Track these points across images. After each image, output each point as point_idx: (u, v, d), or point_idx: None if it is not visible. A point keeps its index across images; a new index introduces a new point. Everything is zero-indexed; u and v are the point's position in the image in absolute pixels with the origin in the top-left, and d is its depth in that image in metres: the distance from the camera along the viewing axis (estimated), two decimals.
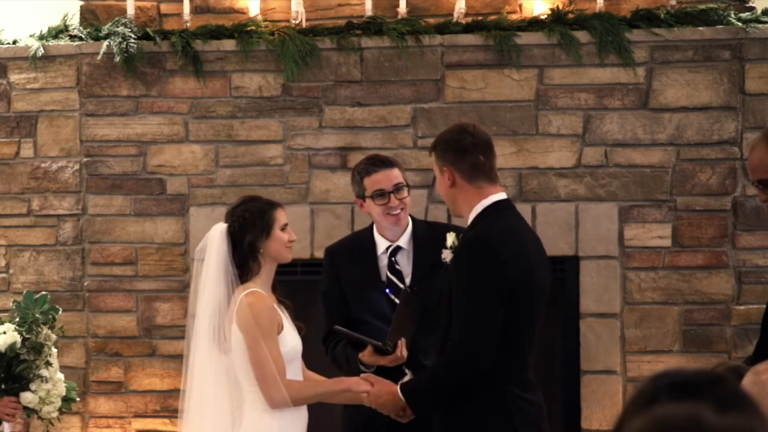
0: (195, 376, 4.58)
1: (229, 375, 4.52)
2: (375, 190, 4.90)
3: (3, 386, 5.30)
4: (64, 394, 5.40)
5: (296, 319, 4.66)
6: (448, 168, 4.25)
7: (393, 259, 4.96)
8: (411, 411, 4.34)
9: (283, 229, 4.55)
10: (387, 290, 4.92)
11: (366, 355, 4.71)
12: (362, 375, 4.57)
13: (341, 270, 4.97)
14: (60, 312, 5.48)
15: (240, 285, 4.49)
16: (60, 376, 5.42)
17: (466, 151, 4.24)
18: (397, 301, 4.84)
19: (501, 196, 4.28)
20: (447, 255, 4.43)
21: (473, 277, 4.13)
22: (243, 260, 4.50)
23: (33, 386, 5.32)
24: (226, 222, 4.59)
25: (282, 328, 4.48)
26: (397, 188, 4.91)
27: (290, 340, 4.50)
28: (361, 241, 5.06)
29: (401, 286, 4.91)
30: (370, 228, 5.08)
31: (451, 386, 4.19)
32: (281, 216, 4.57)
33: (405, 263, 4.96)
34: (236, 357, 4.46)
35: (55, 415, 5.38)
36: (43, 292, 5.51)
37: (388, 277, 4.95)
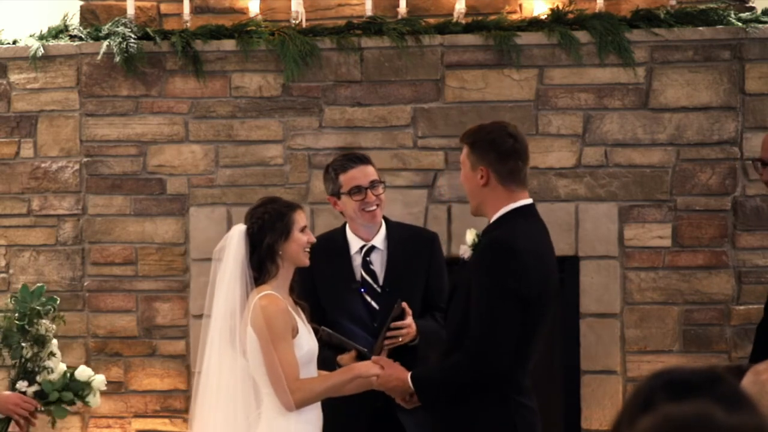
0: (208, 377, 4.56)
1: (244, 377, 4.49)
2: (352, 186, 4.90)
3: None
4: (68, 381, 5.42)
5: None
6: (484, 168, 4.19)
7: (367, 258, 4.96)
8: (418, 400, 4.34)
9: (303, 230, 4.52)
10: (362, 290, 4.92)
11: (346, 359, 4.71)
12: (374, 358, 4.55)
13: (315, 269, 4.82)
14: (58, 302, 5.47)
15: (255, 287, 4.48)
16: (63, 366, 5.43)
17: (508, 156, 4.20)
18: (370, 300, 4.90)
19: (528, 201, 4.27)
20: (465, 251, 4.33)
21: (494, 278, 4.10)
22: (261, 262, 4.47)
23: (39, 378, 5.34)
24: (245, 223, 4.57)
25: (297, 332, 4.44)
26: (373, 184, 4.92)
27: (305, 343, 4.48)
28: (335, 240, 5.04)
29: (375, 286, 4.92)
30: (343, 227, 5.07)
31: (465, 384, 4.17)
32: (300, 218, 4.53)
33: (378, 263, 4.96)
34: (252, 359, 4.43)
35: (90, 400, 5.42)
36: (39, 284, 5.51)
37: (362, 276, 4.96)
